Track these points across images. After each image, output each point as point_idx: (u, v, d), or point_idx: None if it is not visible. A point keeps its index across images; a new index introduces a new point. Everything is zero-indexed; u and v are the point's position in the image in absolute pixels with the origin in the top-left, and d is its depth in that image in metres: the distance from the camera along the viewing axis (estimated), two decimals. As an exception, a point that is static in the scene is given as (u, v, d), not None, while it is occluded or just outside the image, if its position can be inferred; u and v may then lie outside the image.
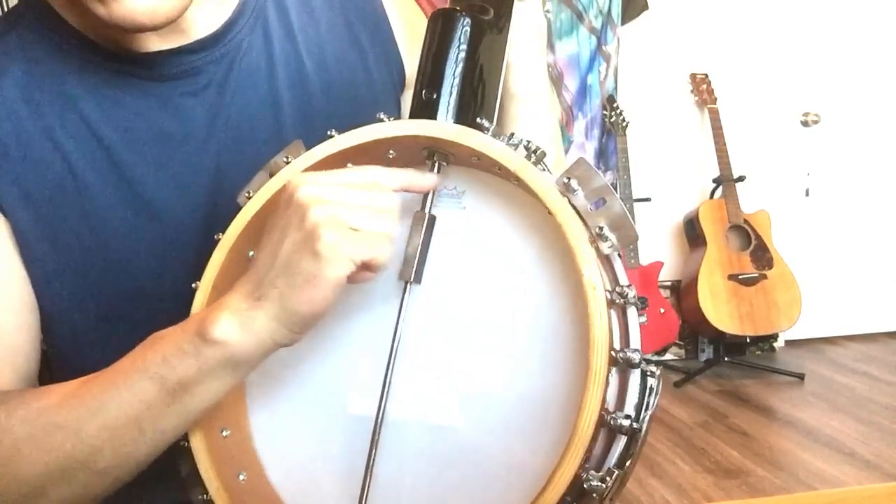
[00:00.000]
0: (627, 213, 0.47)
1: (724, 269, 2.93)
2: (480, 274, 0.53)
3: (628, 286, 0.47)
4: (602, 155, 3.00)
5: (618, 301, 0.47)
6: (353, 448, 0.53)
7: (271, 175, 0.54)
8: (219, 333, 0.47)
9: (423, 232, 0.51)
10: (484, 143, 0.49)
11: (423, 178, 0.52)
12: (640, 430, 0.45)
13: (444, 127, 0.51)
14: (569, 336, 0.49)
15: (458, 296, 0.53)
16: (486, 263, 0.53)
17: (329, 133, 0.53)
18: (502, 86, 0.57)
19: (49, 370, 0.69)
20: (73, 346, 0.65)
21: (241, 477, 0.54)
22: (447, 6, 0.56)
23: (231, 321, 0.47)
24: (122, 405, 0.49)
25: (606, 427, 0.45)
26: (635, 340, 0.47)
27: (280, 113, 0.68)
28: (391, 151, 0.54)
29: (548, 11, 2.81)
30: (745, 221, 3.00)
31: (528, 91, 0.66)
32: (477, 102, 0.54)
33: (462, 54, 0.53)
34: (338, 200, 0.47)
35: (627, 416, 0.44)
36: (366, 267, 0.47)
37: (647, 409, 0.45)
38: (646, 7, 3.00)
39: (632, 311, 0.47)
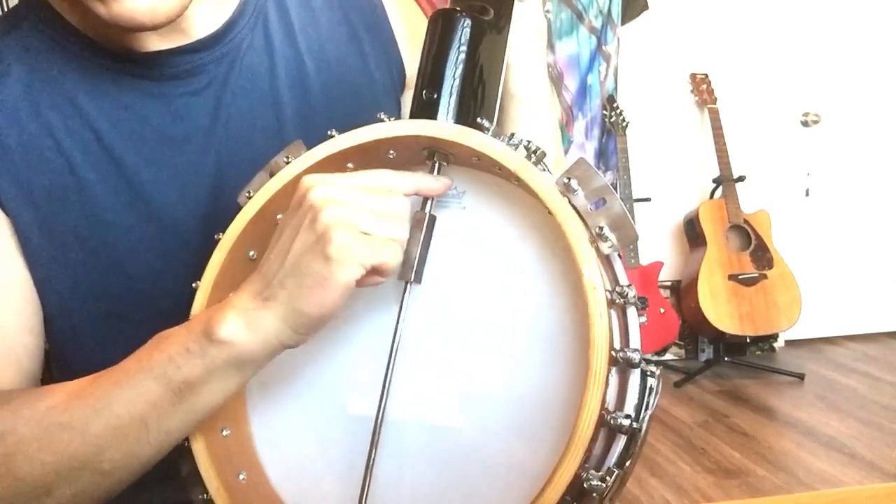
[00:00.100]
0: (627, 213, 0.47)
1: (724, 269, 2.93)
2: (480, 274, 0.53)
3: (628, 286, 0.47)
4: (602, 155, 3.00)
5: (618, 301, 0.47)
6: (353, 448, 0.53)
7: (271, 175, 0.54)
8: (225, 333, 0.47)
9: (423, 232, 0.51)
10: (484, 144, 0.49)
11: (434, 182, 0.52)
12: (640, 430, 0.44)
13: (444, 127, 0.51)
14: (569, 336, 0.49)
15: (459, 296, 0.53)
16: (486, 263, 0.53)
17: (329, 133, 0.53)
18: (502, 86, 0.57)
19: (50, 370, 0.69)
20: (73, 345, 0.65)
21: (242, 476, 0.54)
22: (447, 6, 0.56)
23: (237, 321, 0.47)
24: (128, 405, 0.48)
25: (606, 427, 0.45)
26: (635, 340, 0.47)
27: (280, 113, 0.68)
28: (391, 151, 0.54)
29: (548, 11, 2.81)
30: (745, 221, 3.00)
31: (527, 92, 0.66)
32: (477, 103, 0.54)
33: (462, 55, 0.53)
34: (350, 203, 0.47)
35: (627, 416, 0.44)
36: (375, 271, 0.47)
37: (647, 408, 0.45)
38: (646, 7, 3.00)
39: (632, 311, 0.47)
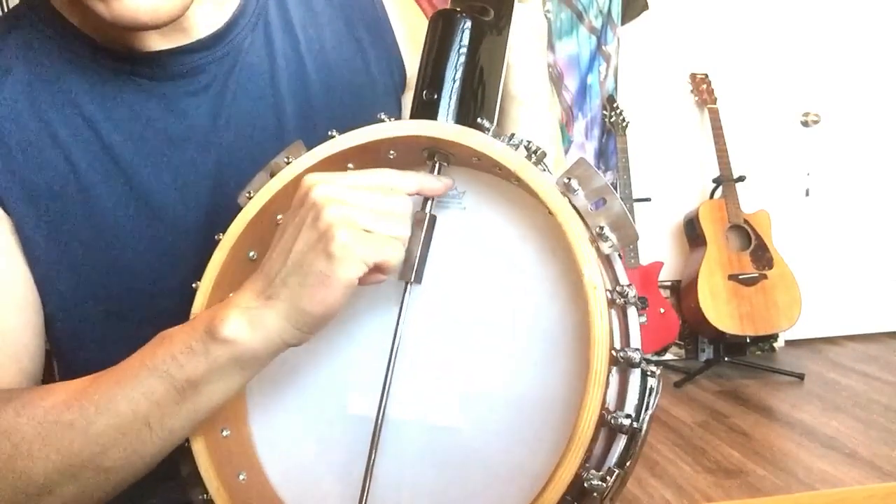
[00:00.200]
0: (628, 212, 0.47)
1: (724, 269, 2.93)
2: (481, 274, 0.53)
3: (629, 286, 0.47)
4: (602, 155, 3.00)
5: (618, 301, 0.47)
6: (353, 448, 0.53)
7: (272, 175, 0.54)
8: (228, 332, 0.47)
9: (423, 232, 0.51)
10: (484, 144, 0.49)
11: (436, 182, 0.52)
12: (641, 430, 0.44)
13: (444, 127, 0.51)
14: (569, 336, 0.49)
15: (459, 296, 0.53)
16: (487, 263, 0.53)
17: (330, 133, 0.53)
18: (502, 87, 0.57)
19: (51, 369, 0.69)
20: (74, 344, 0.66)
21: (242, 477, 0.54)
22: (448, 7, 0.56)
23: (240, 319, 0.47)
24: (131, 403, 0.48)
25: (607, 426, 0.45)
26: (636, 340, 0.47)
27: (281, 112, 0.68)
28: (392, 152, 0.54)
29: (548, 11, 2.81)
30: (745, 221, 3.00)
31: (528, 92, 0.66)
32: (477, 103, 0.54)
33: (462, 55, 0.53)
34: (352, 202, 0.47)
35: (628, 416, 0.44)
36: (377, 269, 0.47)
37: (647, 408, 0.45)
38: (646, 7, 3.00)
39: (632, 311, 0.47)
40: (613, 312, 0.47)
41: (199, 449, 0.52)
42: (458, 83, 0.52)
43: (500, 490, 0.51)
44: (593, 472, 0.44)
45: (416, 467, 0.53)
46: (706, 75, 3.09)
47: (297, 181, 0.51)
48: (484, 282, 0.53)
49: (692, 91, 3.12)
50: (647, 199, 3.08)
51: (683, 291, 3.07)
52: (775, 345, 3.33)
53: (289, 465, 0.57)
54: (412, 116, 0.53)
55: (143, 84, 0.63)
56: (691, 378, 2.97)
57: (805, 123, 3.29)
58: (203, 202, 0.65)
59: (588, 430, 0.43)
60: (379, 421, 0.51)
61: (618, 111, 2.95)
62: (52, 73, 0.62)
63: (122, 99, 0.63)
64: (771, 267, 2.95)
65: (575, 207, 0.48)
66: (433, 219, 0.52)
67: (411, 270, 0.51)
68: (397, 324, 0.51)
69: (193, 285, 0.54)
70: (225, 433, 0.55)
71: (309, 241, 0.46)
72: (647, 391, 0.46)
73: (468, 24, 0.54)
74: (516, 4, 0.58)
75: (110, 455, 0.49)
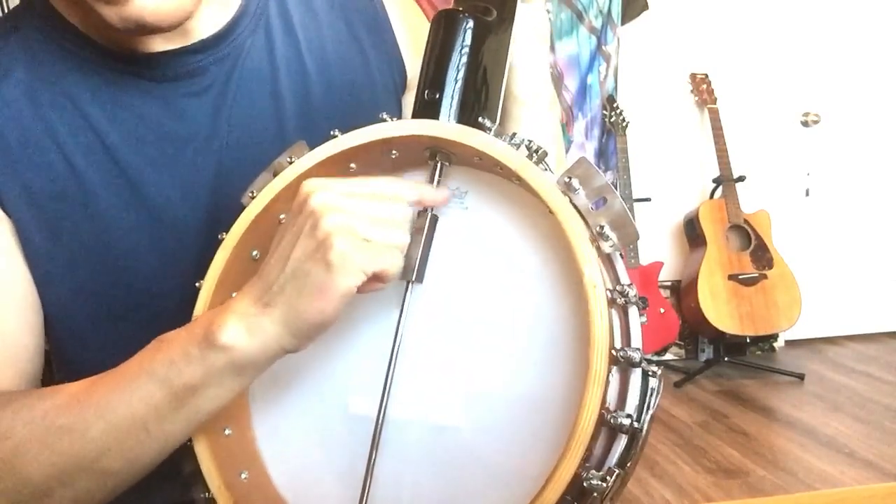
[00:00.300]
0: (628, 212, 0.47)
1: (724, 269, 2.93)
2: (482, 274, 0.53)
3: (629, 285, 0.47)
4: (602, 155, 3.00)
5: (618, 300, 0.47)
6: (354, 448, 0.53)
7: (275, 175, 0.54)
8: (226, 338, 0.47)
9: (424, 232, 0.52)
10: (485, 143, 0.49)
11: (435, 192, 0.52)
12: (642, 430, 0.44)
13: (445, 127, 0.51)
14: (570, 335, 0.49)
15: (460, 295, 0.53)
16: (488, 263, 0.53)
17: (332, 133, 0.53)
18: (505, 87, 0.57)
19: (50, 370, 0.69)
20: (75, 345, 0.66)
21: (243, 476, 0.54)
22: (450, 7, 0.56)
23: (238, 326, 0.47)
24: (129, 408, 0.49)
25: (607, 426, 0.44)
26: (636, 339, 0.47)
27: (282, 113, 0.68)
28: (394, 151, 0.54)
29: (548, 11, 2.81)
30: (745, 221, 3.00)
31: (530, 92, 0.66)
32: (480, 103, 0.54)
33: (464, 55, 0.53)
34: (351, 210, 0.47)
35: (628, 416, 0.44)
36: (376, 278, 0.47)
37: (648, 408, 0.45)
38: (646, 7, 3.00)
39: (633, 311, 0.47)
40: (614, 312, 0.47)
41: (202, 448, 0.52)
42: (459, 83, 0.53)
43: (501, 489, 0.51)
44: (593, 471, 0.44)
45: (417, 467, 0.53)
46: (706, 75, 3.09)
47: (299, 181, 0.51)
48: (485, 281, 0.53)
49: (692, 91, 3.12)
50: (647, 199, 3.08)
51: (683, 291, 3.07)
52: (775, 345, 3.33)
53: (291, 464, 0.57)
54: (414, 116, 0.53)
55: (144, 85, 0.63)
56: (691, 378, 2.97)
57: (805, 123, 3.29)
58: (204, 203, 0.65)
59: (588, 428, 0.43)
60: (379, 421, 0.51)
61: (618, 111, 2.95)
62: (53, 74, 0.62)
63: (123, 100, 0.63)
64: (771, 267, 2.95)
65: (575, 206, 0.48)
66: (435, 218, 0.52)
67: (413, 270, 0.51)
68: (398, 323, 0.51)
69: (196, 284, 0.54)
70: (227, 432, 0.55)
71: (307, 250, 0.46)
72: (648, 391, 0.46)
73: (470, 23, 0.54)
74: (519, 4, 0.58)
75: (108, 459, 0.50)
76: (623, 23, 2.99)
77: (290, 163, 0.54)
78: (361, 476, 0.51)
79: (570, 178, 0.48)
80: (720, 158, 2.99)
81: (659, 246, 3.18)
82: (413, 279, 0.51)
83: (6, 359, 0.59)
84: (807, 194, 3.34)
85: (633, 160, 2.97)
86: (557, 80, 2.85)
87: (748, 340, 3.10)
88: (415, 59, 0.74)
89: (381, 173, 0.55)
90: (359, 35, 0.72)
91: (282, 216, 0.55)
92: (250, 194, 0.55)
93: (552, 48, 2.84)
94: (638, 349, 0.46)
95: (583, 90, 2.92)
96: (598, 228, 0.47)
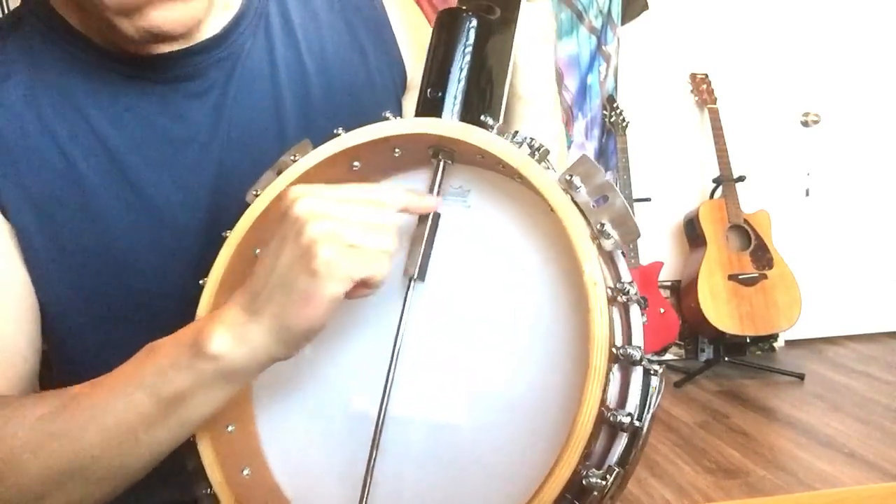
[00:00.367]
0: (629, 209, 0.47)
1: (724, 269, 2.93)
2: (484, 272, 0.53)
3: (630, 283, 0.47)
4: (602, 155, 3.00)
5: (620, 298, 0.47)
6: (356, 446, 0.53)
7: (279, 173, 0.54)
8: (214, 347, 0.47)
9: (427, 229, 0.52)
10: (487, 141, 0.49)
11: (422, 200, 0.52)
12: (642, 429, 0.44)
13: (447, 125, 0.51)
14: (571, 333, 0.49)
15: (462, 294, 0.53)
16: (490, 261, 0.53)
17: (335, 131, 0.53)
18: (509, 86, 0.57)
19: (49, 371, 0.68)
20: (74, 346, 0.65)
21: (245, 472, 0.55)
22: (454, 6, 0.56)
23: (226, 335, 0.47)
24: (118, 416, 0.49)
25: (607, 424, 0.44)
26: (638, 338, 0.47)
27: (282, 114, 0.68)
28: (397, 150, 0.54)
29: (548, 11, 2.81)
30: (745, 221, 3.00)
31: (534, 91, 0.66)
32: (483, 101, 0.54)
33: (468, 54, 0.53)
34: (336, 216, 0.47)
35: (629, 414, 0.44)
36: (363, 284, 0.47)
37: (649, 407, 0.45)
38: (646, 7, 3.00)
39: (635, 309, 0.47)
40: (616, 310, 0.47)
41: (204, 444, 0.53)
42: (462, 82, 0.53)
43: (501, 487, 0.51)
44: (593, 470, 0.44)
45: (418, 465, 0.53)
46: (706, 75, 3.09)
47: (303, 179, 0.51)
48: (487, 280, 0.53)
49: (692, 91, 3.12)
50: (647, 199, 3.08)
51: (683, 291, 3.07)
52: (775, 345, 3.33)
53: (293, 461, 0.57)
54: (417, 115, 0.53)
55: (144, 87, 0.63)
56: (691, 378, 2.97)
57: (805, 123, 3.29)
58: (204, 204, 0.65)
59: (586, 425, 0.43)
60: (380, 419, 0.51)
61: (618, 111, 2.95)
62: (53, 75, 0.61)
63: (123, 102, 0.63)
64: (771, 267, 2.95)
65: (577, 204, 0.48)
66: (437, 216, 0.52)
67: (415, 267, 0.51)
68: (400, 320, 0.51)
69: (200, 282, 0.55)
70: (230, 429, 0.55)
71: (292, 258, 0.46)
72: (650, 390, 0.45)
73: (474, 22, 0.54)
74: (523, 3, 0.58)
75: (99, 465, 0.50)
76: (623, 23, 2.99)
77: (294, 161, 0.54)
78: (362, 474, 0.51)
79: (571, 175, 0.48)
80: (720, 158, 2.99)
81: (659, 246, 3.18)
82: (415, 277, 0.51)
83: (1, 363, 0.59)
84: (807, 194, 3.34)
85: (633, 160, 2.97)
86: (558, 80, 2.85)
87: (748, 340, 3.10)
88: (415, 60, 0.74)
89: (385, 172, 0.55)
90: (359, 36, 0.72)
91: None
92: (255, 192, 0.55)
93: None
94: (639, 347, 0.45)
95: (583, 90, 2.92)
96: (598, 226, 0.47)
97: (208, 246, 0.60)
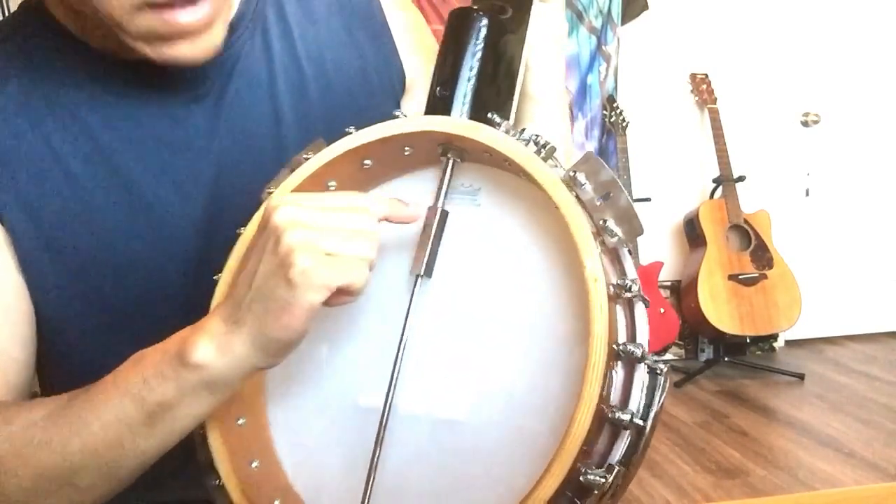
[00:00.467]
0: (634, 206, 0.47)
1: (724, 269, 2.93)
2: (491, 270, 0.53)
3: (634, 280, 0.47)
4: (602, 155, 3.00)
5: (623, 295, 0.47)
6: (363, 440, 0.53)
7: (292, 171, 0.55)
8: (197, 357, 0.47)
9: (434, 226, 0.52)
10: (492, 138, 0.49)
11: (405, 209, 0.52)
12: (646, 428, 0.44)
13: (455, 122, 0.51)
14: (574, 331, 0.49)
15: (468, 291, 0.53)
16: (497, 259, 0.53)
17: (347, 130, 0.53)
18: (520, 86, 0.57)
19: (49, 372, 0.68)
20: (71, 349, 0.65)
21: (254, 464, 0.55)
22: (465, 5, 0.56)
23: (209, 345, 0.47)
24: (104, 425, 0.49)
25: (608, 422, 0.44)
26: (642, 336, 0.47)
27: (280, 118, 0.68)
28: (407, 148, 0.54)
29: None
30: (745, 221, 3.00)
31: (544, 91, 0.66)
32: (494, 101, 0.54)
33: (478, 53, 0.53)
34: (313, 224, 0.46)
35: (630, 412, 0.44)
36: (342, 291, 0.46)
37: (652, 406, 0.45)
38: (646, 7, 3.00)
39: (639, 307, 0.47)
40: (619, 307, 0.47)
41: (214, 437, 0.53)
42: (472, 81, 0.53)
43: (504, 483, 0.51)
44: (594, 467, 0.43)
45: (422, 460, 0.53)
46: (706, 75, 3.09)
47: (315, 176, 0.51)
48: (493, 277, 0.53)
49: (692, 91, 3.13)
50: (647, 199, 3.09)
51: (683, 291, 3.07)
52: (775, 345, 3.34)
53: (302, 454, 0.57)
54: (427, 113, 0.53)
55: (142, 92, 0.63)
56: (691, 378, 2.97)
57: (805, 123, 3.29)
58: (202, 207, 0.65)
59: (585, 422, 0.43)
60: (385, 414, 0.51)
61: (618, 111, 2.95)
62: (50, 81, 0.61)
63: (121, 107, 0.62)
64: (771, 267, 2.95)
65: (580, 201, 0.48)
66: (445, 214, 0.53)
67: (422, 264, 0.51)
68: (406, 317, 0.52)
69: (214, 277, 0.55)
70: (240, 422, 0.55)
71: (270, 267, 0.46)
72: (654, 388, 0.45)
73: (484, 21, 0.54)
74: (535, 3, 0.58)
75: (85, 474, 0.50)
76: (623, 23, 2.99)
77: (307, 158, 0.54)
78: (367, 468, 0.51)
79: (575, 172, 0.48)
80: (720, 158, 2.99)
81: (659, 246, 3.18)
82: (422, 273, 0.51)
83: None
84: (807, 194, 3.35)
85: (633, 160, 2.97)
86: (558, 80, 2.85)
87: (748, 340, 3.11)
88: (413, 62, 0.74)
89: (396, 170, 0.55)
90: (357, 38, 0.72)
91: None
92: (268, 190, 0.55)
93: (552, 48, 2.83)
94: (641, 345, 0.45)
95: (583, 90, 2.92)
96: (601, 222, 0.47)
97: (206, 249, 0.59)
